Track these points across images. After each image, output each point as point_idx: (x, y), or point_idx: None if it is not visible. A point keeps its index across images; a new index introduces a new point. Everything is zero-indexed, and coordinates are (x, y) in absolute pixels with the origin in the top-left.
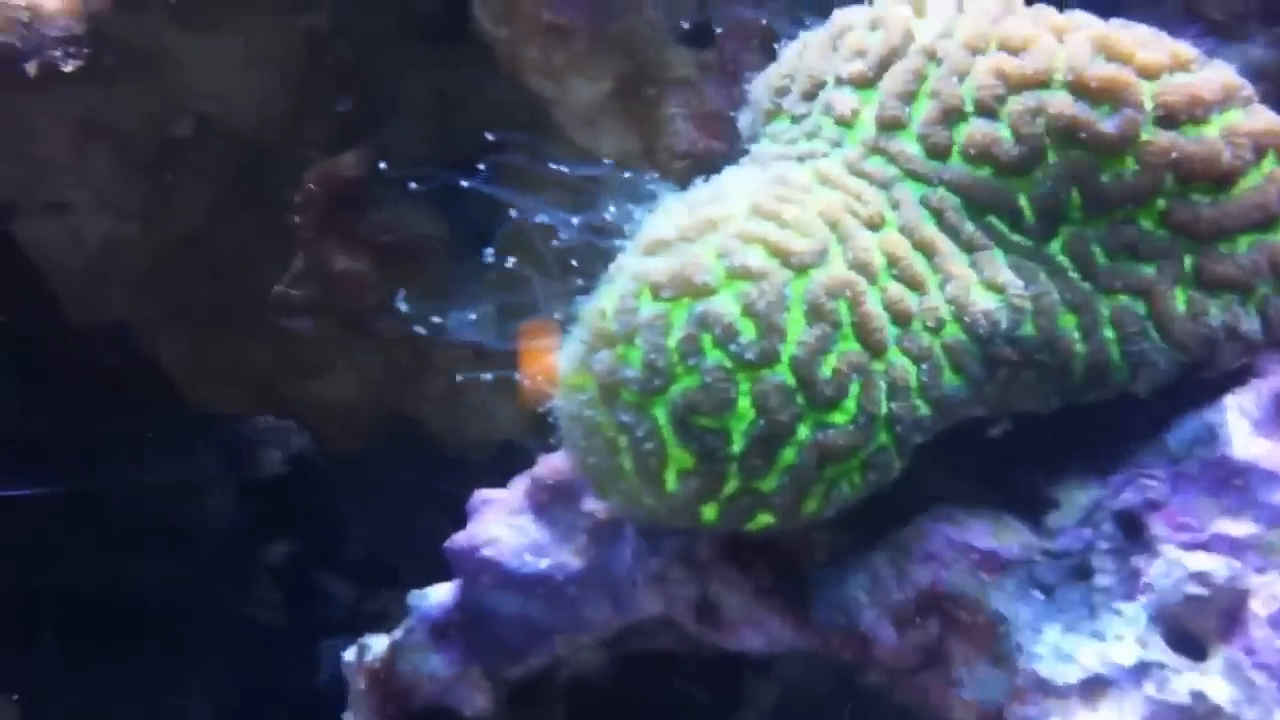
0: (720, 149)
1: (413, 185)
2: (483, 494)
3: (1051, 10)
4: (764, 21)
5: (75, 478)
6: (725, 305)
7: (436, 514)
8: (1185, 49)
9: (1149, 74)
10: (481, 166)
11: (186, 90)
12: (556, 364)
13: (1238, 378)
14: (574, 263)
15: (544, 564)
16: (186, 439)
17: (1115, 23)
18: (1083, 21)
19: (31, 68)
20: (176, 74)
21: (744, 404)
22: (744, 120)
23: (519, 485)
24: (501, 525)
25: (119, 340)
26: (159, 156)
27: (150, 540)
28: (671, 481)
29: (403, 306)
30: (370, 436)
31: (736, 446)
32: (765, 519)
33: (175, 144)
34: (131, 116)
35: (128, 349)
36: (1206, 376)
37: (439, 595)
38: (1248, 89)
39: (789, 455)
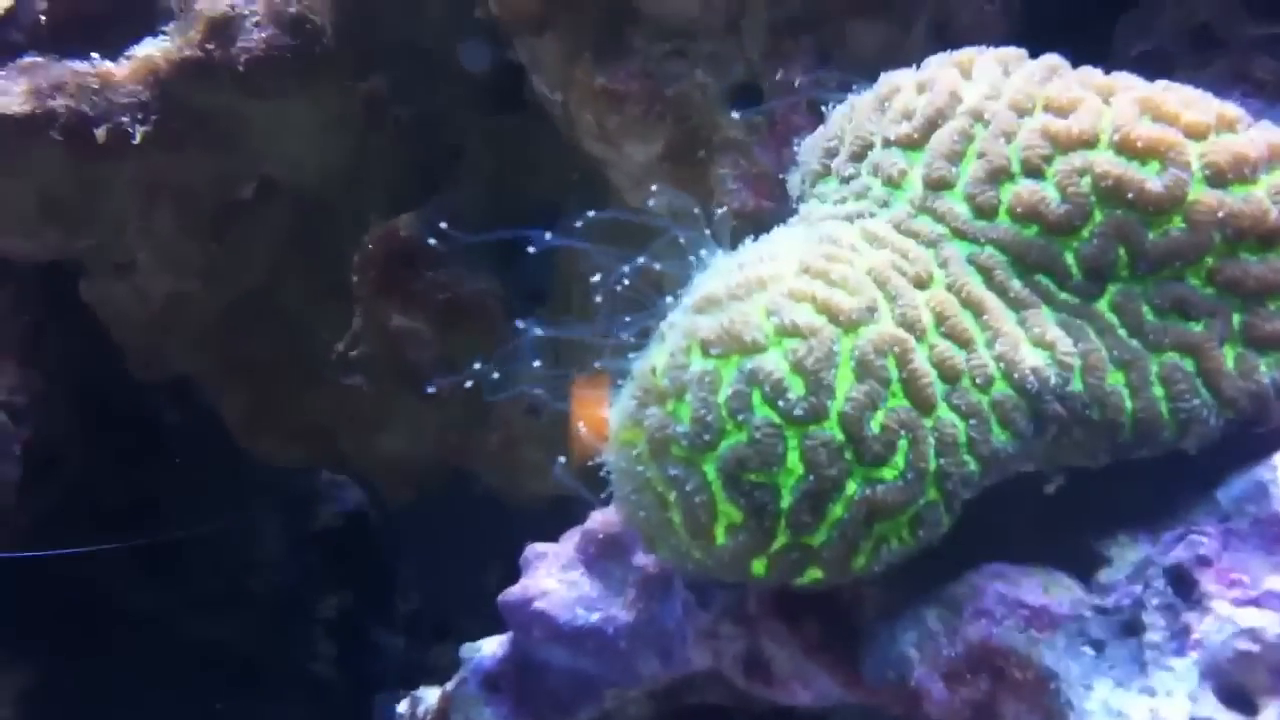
0: (770, 208)
1: (468, 242)
2: (535, 548)
3: (1097, 72)
4: (810, 83)
5: (134, 534)
6: (774, 362)
7: (491, 566)
8: (1231, 109)
9: (1195, 134)
10: (537, 229)
11: (251, 153)
12: (608, 417)
13: None
14: (627, 319)
15: (595, 617)
16: (245, 492)
17: (1161, 84)
18: (1128, 83)
19: (101, 133)
20: (241, 138)
21: (793, 460)
22: (793, 181)
23: (570, 539)
24: (553, 579)
25: (181, 395)
26: (223, 216)
27: (207, 593)
28: (721, 536)
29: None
30: (426, 489)
31: (785, 502)
32: (814, 574)
33: (239, 204)
34: (197, 179)
35: (190, 403)
36: (1256, 432)
37: (491, 647)
38: None
39: (838, 511)
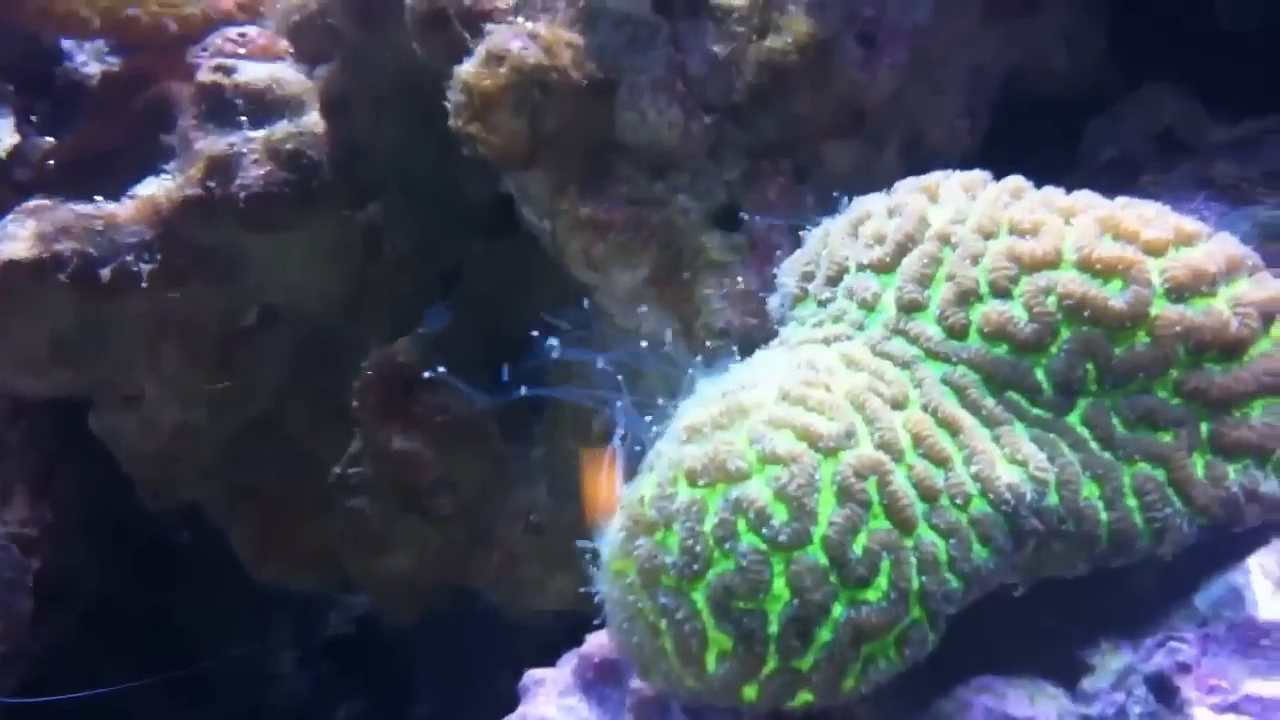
0: (754, 325)
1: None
2: (533, 674)
3: (1059, 193)
4: (790, 201)
5: (152, 659)
6: (757, 489)
7: (499, 678)
8: (1189, 224)
9: (1155, 251)
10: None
11: (253, 285)
12: (615, 488)
13: (1260, 537)
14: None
15: None
16: (258, 604)
17: (1121, 201)
18: (1089, 202)
19: (107, 274)
20: (243, 270)
21: (779, 585)
22: (773, 303)
23: (567, 664)
24: (551, 705)
25: (190, 521)
26: (227, 347)
27: (227, 713)
28: (711, 663)
29: None
30: (430, 609)
31: (774, 627)
32: (805, 697)
33: (243, 335)
34: (201, 312)
35: (199, 529)
36: (1232, 534)
37: None
38: (1253, 258)
39: (825, 634)
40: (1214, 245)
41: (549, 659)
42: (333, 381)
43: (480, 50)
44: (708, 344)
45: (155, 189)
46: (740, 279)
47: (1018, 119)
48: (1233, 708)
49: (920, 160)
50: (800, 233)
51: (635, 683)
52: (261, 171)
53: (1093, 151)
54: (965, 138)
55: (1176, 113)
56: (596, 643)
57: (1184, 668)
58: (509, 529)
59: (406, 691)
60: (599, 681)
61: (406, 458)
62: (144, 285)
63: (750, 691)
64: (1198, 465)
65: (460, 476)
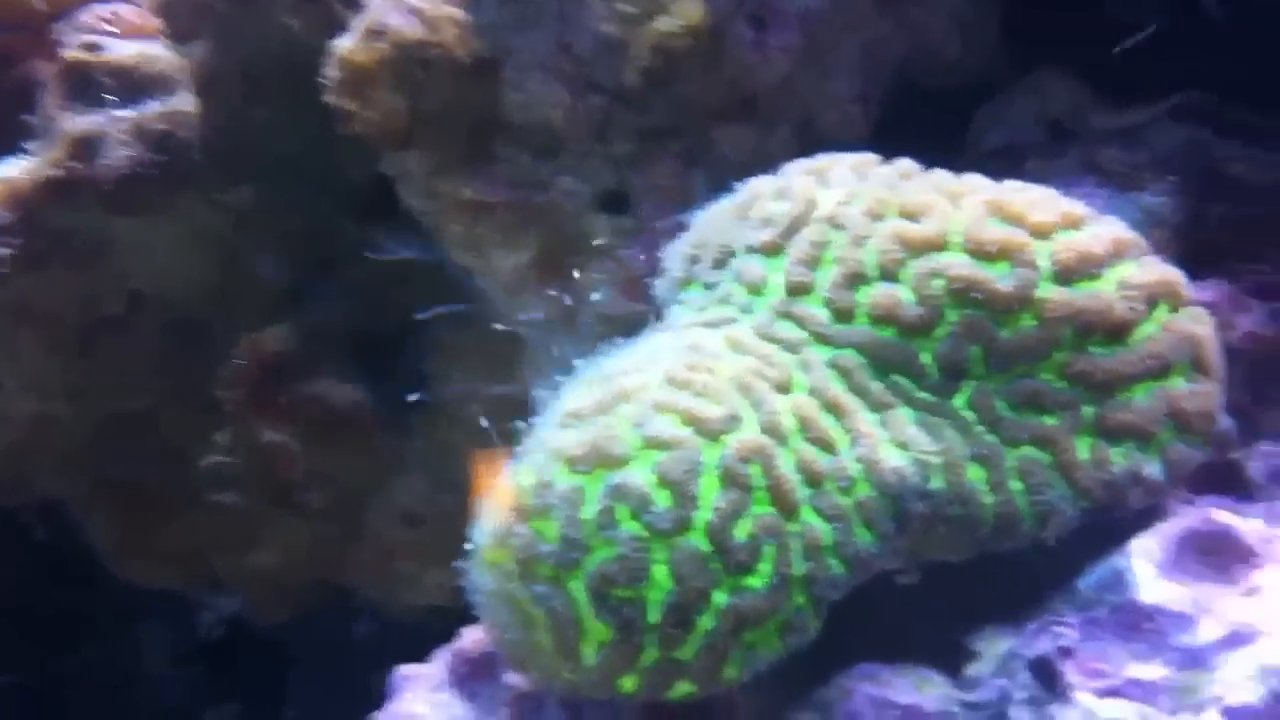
0: (642, 311)
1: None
2: (403, 670)
3: (948, 176)
4: (679, 185)
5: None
6: (640, 475)
7: (373, 681)
8: (1076, 208)
9: (1042, 233)
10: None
11: (118, 270)
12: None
13: (1143, 521)
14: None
15: None
16: (124, 616)
17: (1009, 185)
18: (977, 186)
19: None
20: (108, 255)
21: (660, 573)
22: (659, 287)
23: (440, 659)
24: (422, 702)
25: (48, 517)
26: (90, 335)
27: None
28: (590, 654)
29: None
30: (302, 607)
31: (653, 616)
32: (685, 687)
33: (106, 322)
34: (62, 298)
35: (58, 526)
36: (1113, 518)
37: None
38: (1139, 243)
39: (706, 622)
40: (1101, 229)
41: (427, 657)
42: (202, 372)
43: (359, 24)
44: (593, 330)
45: (15, 170)
46: (627, 264)
47: (911, 106)
48: (1115, 691)
49: (813, 145)
50: (688, 218)
51: (511, 677)
52: (129, 152)
53: (980, 138)
54: (858, 123)
55: (1065, 99)
56: (471, 637)
57: (1066, 652)
58: (384, 523)
59: (279, 693)
60: (473, 677)
61: (276, 450)
62: (1, 271)
63: (629, 682)
64: (1082, 448)
65: (333, 469)
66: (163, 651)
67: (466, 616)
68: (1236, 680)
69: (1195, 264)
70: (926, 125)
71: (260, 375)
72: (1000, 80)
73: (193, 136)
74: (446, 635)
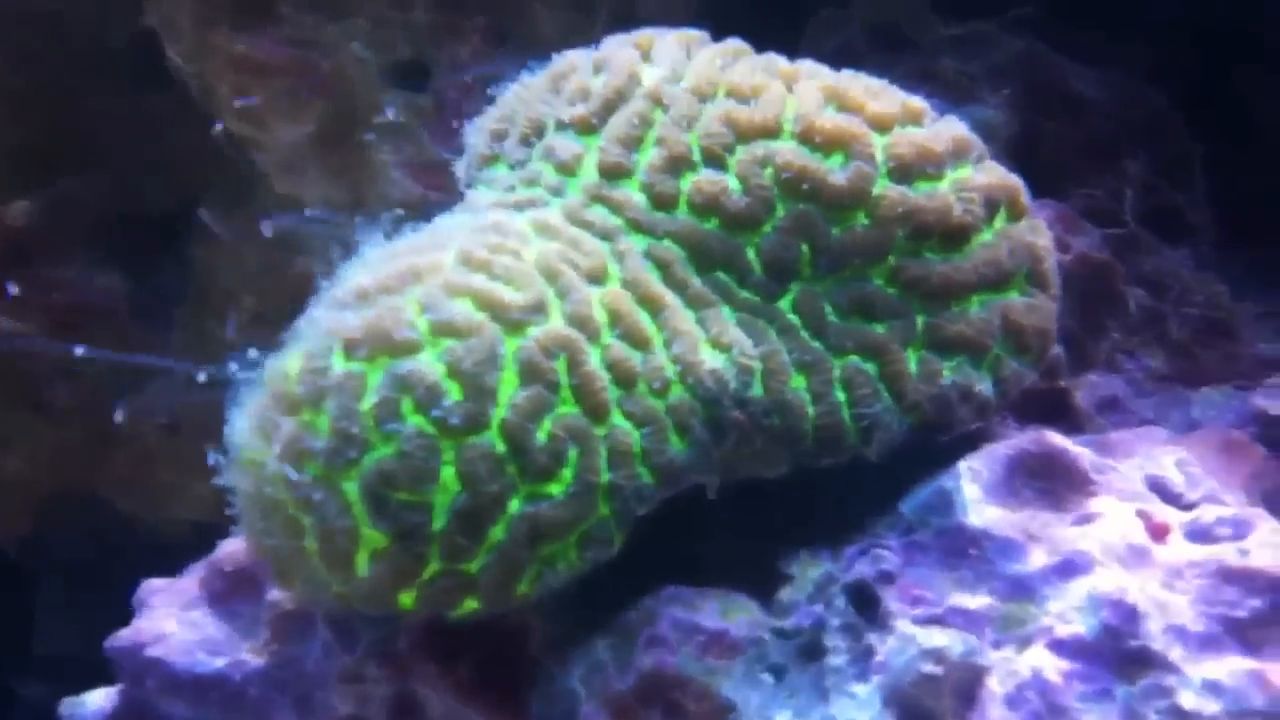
0: (438, 199)
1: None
2: (152, 584)
3: (782, 59)
4: (486, 63)
5: None
6: (428, 364)
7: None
8: (917, 102)
9: (881, 125)
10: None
11: None
12: None
13: (971, 442)
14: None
15: (220, 663)
16: None
17: (846, 74)
18: (813, 70)
19: None
20: None
21: (448, 475)
22: (460, 167)
23: (194, 574)
24: (172, 619)
25: None
26: None
27: None
28: (363, 565)
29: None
30: (47, 519)
31: (438, 523)
32: (471, 604)
33: None
34: None
35: None
36: (941, 440)
37: (98, 701)
38: (979, 145)
39: (498, 532)
40: (942, 126)
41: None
42: None
43: None
44: (382, 216)
45: None
46: (425, 145)
47: (740, 6)
48: (937, 620)
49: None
50: (493, 92)
51: (273, 594)
52: None
53: (815, 42)
54: (681, 12)
55: (902, 6)
56: (229, 550)
57: (886, 577)
58: (140, 426)
59: (26, 620)
60: (230, 594)
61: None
62: None
63: (407, 598)
64: (911, 360)
65: (82, 365)
66: None
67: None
68: (1066, 611)
69: (1029, 182)
70: (756, 26)
71: (1, 256)
72: None
73: None
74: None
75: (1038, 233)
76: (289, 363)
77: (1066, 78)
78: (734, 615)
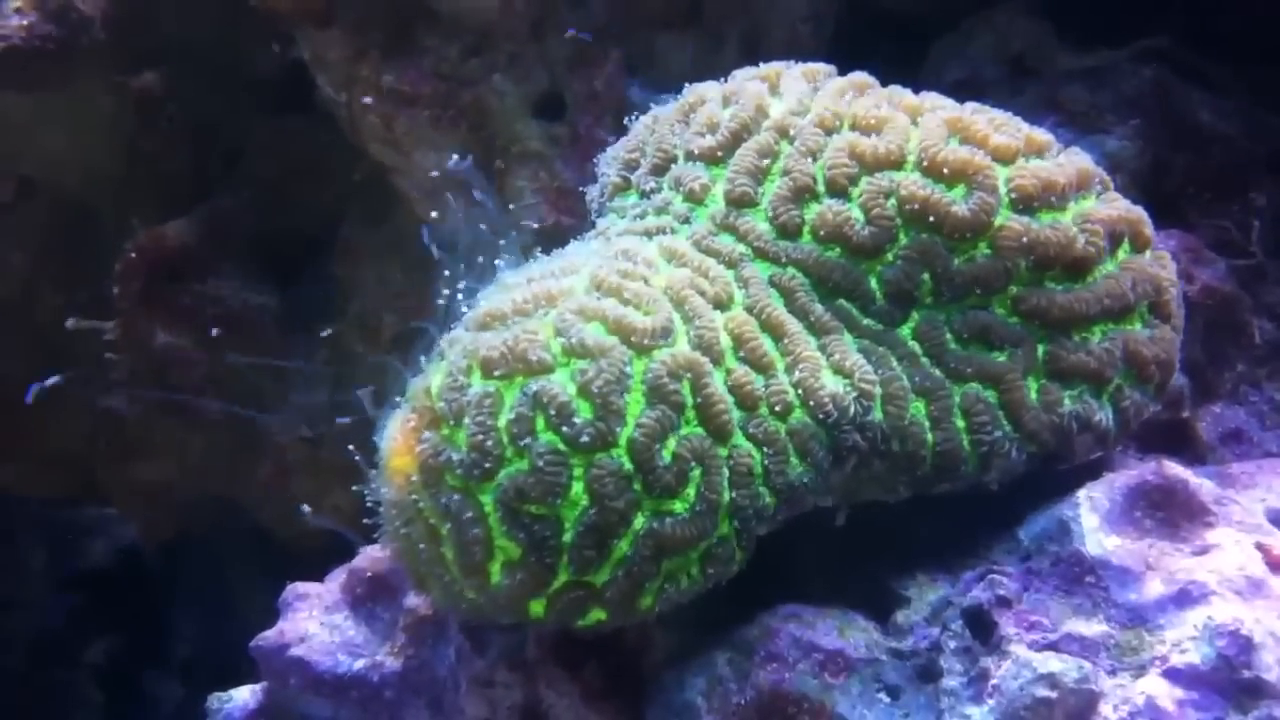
0: (571, 224)
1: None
2: (296, 588)
3: (906, 92)
4: (619, 94)
5: None
6: (560, 384)
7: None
8: (1041, 134)
9: (1003, 158)
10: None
11: (7, 151)
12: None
13: (1091, 471)
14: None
15: (359, 664)
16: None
17: (970, 106)
18: (937, 103)
19: None
20: None
21: (577, 490)
22: (593, 194)
23: (336, 579)
24: (315, 622)
25: None
26: None
27: None
28: (496, 574)
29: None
30: (188, 526)
31: (568, 536)
32: (598, 615)
33: None
34: None
35: None
36: (1059, 469)
37: (243, 697)
38: (1103, 177)
39: (624, 546)
40: (1065, 158)
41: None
42: (91, 265)
43: None
44: (518, 242)
45: None
46: (559, 173)
47: (866, 33)
48: (1052, 646)
49: (760, 63)
50: (627, 122)
51: (410, 599)
52: (23, 21)
53: (938, 71)
54: (808, 42)
55: (1027, 35)
56: (370, 556)
57: (1003, 602)
58: (283, 438)
59: (171, 627)
60: (370, 598)
61: (170, 353)
62: None
63: (537, 607)
64: (1031, 389)
65: (230, 377)
66: (47, 576)
67: (370, 539)
68: (1182, 641)
69: (1155, 212)
70: (881, 54)
71: (157, 271)
72: (958, 11)
73: (94, 12)
74: (348, 558)
75: (1162, 264)
76: (432, 380)
77: (1195, 108)
78: (851, 634)
